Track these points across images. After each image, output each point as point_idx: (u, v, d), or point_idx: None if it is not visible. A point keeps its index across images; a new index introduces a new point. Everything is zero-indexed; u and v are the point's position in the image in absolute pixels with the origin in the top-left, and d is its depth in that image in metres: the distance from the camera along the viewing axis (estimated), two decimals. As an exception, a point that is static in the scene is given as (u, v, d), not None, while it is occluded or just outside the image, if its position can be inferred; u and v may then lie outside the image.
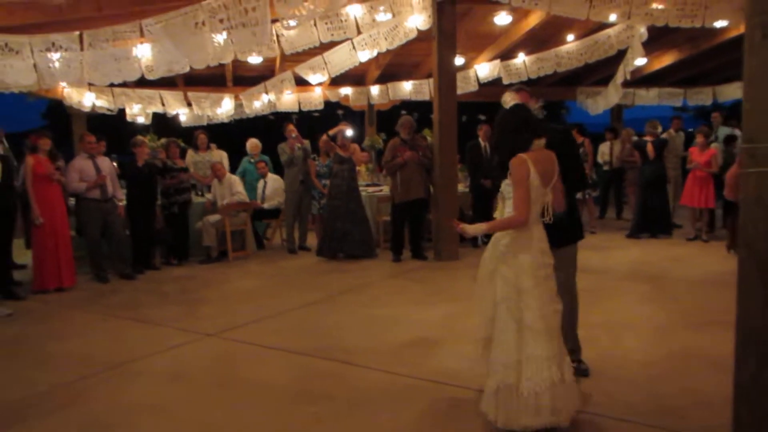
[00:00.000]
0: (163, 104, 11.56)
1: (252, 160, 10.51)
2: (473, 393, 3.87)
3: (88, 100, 11.11)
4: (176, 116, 12.41)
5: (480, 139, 9.59)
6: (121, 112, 11.78)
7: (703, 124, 11.00)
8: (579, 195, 4.71)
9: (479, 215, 9.61)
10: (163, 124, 12.89)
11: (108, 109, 11.37)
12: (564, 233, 3.93)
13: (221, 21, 5.35)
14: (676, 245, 9.42)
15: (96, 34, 5.76)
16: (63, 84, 10.00)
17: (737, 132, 11.12)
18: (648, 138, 10.04)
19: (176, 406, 3.92)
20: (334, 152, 8.89)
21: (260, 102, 12.06)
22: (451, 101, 8.65)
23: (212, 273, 8.27)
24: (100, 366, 4.66)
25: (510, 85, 11.22)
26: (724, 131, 11.16)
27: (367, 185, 10.62)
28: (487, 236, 3.77)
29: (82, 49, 5.77)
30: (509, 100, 3.89)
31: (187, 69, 6.08)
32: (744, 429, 3.17)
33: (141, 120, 12.09)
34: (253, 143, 10.81)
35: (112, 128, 8.35)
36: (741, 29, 10.12)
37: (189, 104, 11.73)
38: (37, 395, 4.14)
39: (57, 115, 26.02)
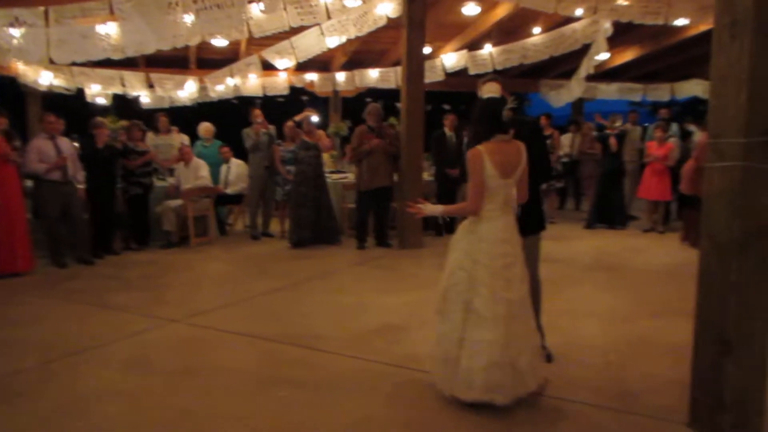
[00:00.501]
0: (123, 85, 11.31)
1: (206, 144, 10.34)
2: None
3: (44, 78, 10.81)
4: (137, 98, 12.17)
5: (445, 129, 9.66)
6: (80, 92, 11.50)
7: (660, 120, 11.25)
8: (543, 186, 4.80)
9: (443, 204, 9.71)
10: (123, 105, 12.61)
11: (66, 89, 11.08)
12: (527, 223, 4.03)
13: (195, 1, 5.27)
14: (633, 236, 9.67)
15: (62, 10, 5.60)
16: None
17: (692, 128, 11.45)
18: (610, 131, 10.25)
19: (144, 392, 3.88)
20: (300, 138, 8.85)
21: (223, 86, 11.90)
22: (419, 90, 8.68)
23: (174, 258, 8.17)
24: (62, 352, 4.57)
25: (479, 76, 11.36)
26: (673, 128, 11.48)
27: (332, 172, 10.60)
28: (450, 227, 3.91)
29: (47, 25, 5.59)
30: (486, 91, 3.93)
31: (156, 49, 5.97)
32: (700, 414, 3.31)
33: (101, 101, 11.82)
34: (206, 127, 10.62)
35: (69, 108, 8.11)
36: (701, 27, 10.51)
37: (151, 86, 11.50)
38: (1, 381, 4.05)
39: (6, 94, 25.19)
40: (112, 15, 5.52)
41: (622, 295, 6.15)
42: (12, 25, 5.61)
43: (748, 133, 3.00)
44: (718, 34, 3.15)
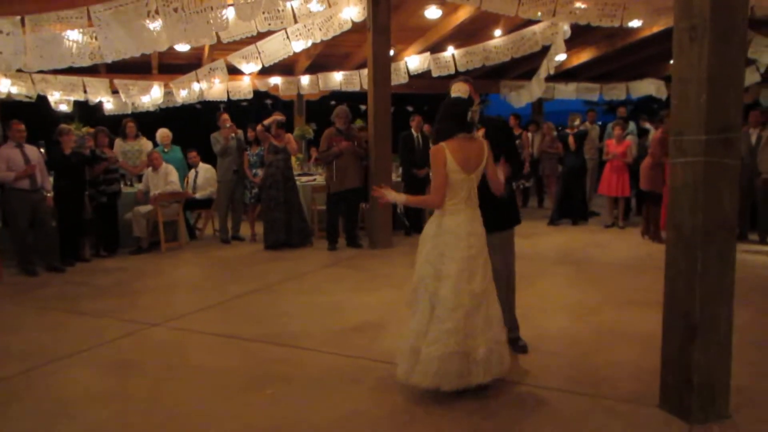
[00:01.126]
0: (85, 92, 11.18)
1: (165, 150, 10.26)
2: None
3: (3, 86, 10.63)
4: (99, 104, 12.04)
5: (412, 130, 9.82)
6: (40, 99, 11.32)
7: (618, 118, 11.62)
8: (514, 184, 4.96)
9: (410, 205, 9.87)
10: (86, 112, 12.47)
11: (26, 96, 10.91)
12: (502, 218, 4.21)
13: (176, 10, 5.31)
14: (595, 232, 9.97)
15: (39, 18, 5.57)
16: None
17: (648, 125, 11.86)
18: (569, 130, 10.55)
19: (131, 396, 3.93)
20: (268, 142, 8.90)
21: (187, 91, 11.86)
22: (386, 93, 8.83)
23: (146, 264, 8.15)
24: (44, 359, 4.58)
25: (442, 78, 11.59)
26: (631, 126, 11.88)
27: (299, 175, 10.67)
28: (417, 226, 4.08)
29: (24, 33, 5.57)
30: (455, 90, 4.09)
31: (135, 55, 5.96)
32: (670, 396, 3.51)
33: (63, 108, 11.66)
34: (163, 133, 10.51)
35: (29, 116, 8.01)
36: (654, 29, 10.86)
37: (114, 91, 11.39)
38: (-19, 389, 4.06)
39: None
40: (89, 22, 5.51)
41: (588, 288, 6.39)
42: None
43: (708, 131, 3.21)
44: (678, 37, 3.34)
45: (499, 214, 4.09)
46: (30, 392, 4.01)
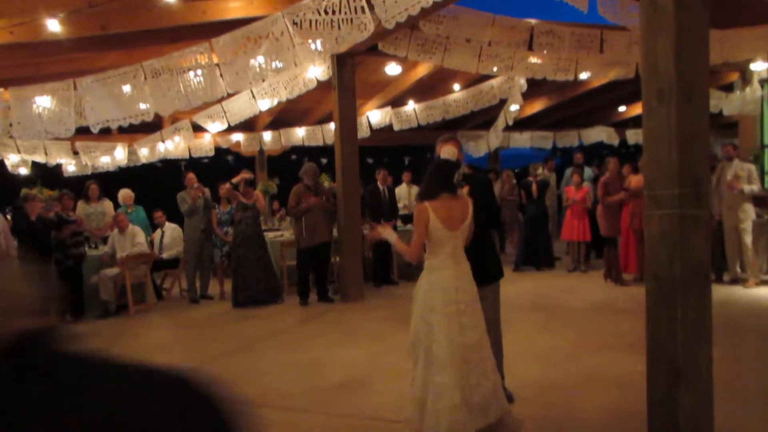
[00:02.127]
0: (45, 154, 11.07)
1: (129, 211, 10.18)
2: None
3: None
4: (59, 166, 11.91)
5: (378, 183, 10.00)
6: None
7: (575, 166, 12.04)
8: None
9: (379, 256, 9.99)
10: (45, 174, 12.29)
11: (-18, 161, 10.76)
12: (486, 272, 4.35)
13: (165, 80, 5.41)
14: (560, 277, 10.22)
15: (23, 90, 5.59)
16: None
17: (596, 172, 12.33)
18: (532, 179, 10.90)
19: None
20: (237, 200, 8.95)
21: (148, 150, 11.83)
22: (353, 148, 9.02)
23: (116, 328, 8.01)
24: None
25: (413, 130, 11.84)
26: (587, 172, 12.34)
27: (265, 230, 10.68)
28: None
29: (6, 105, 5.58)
30: (444, 152, 4.26)
31: (125, 123, 6.00)
32: (658, 437, 3.64)
33: (23, 171, 11.49)
34: (125, 194, 10.44)
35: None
36: (602, 80, 11.39)
37: (75, 153, 11.31)
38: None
39: None
40: (75, 91, 5.54)
41: (561, 334, 6.54)
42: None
43: (681, 185, 3.43)
44: (647, 99, 3.58)
45: (489, 267, 4.27)
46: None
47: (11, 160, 11.15)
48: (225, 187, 9.16)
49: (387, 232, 4.19)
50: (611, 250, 9.35)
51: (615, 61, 9.36)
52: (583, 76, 9.93)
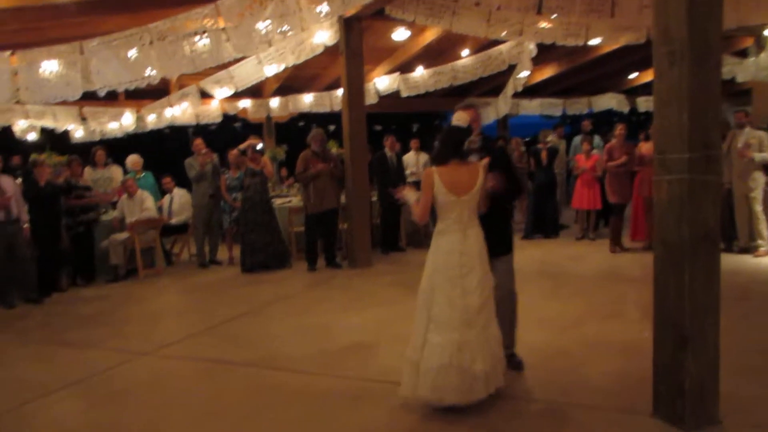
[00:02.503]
0: (54, 119, 11.05)
1: (138, 177, 10.21)
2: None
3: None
4: (66, 132, 11.90)
5: (386, 150, 9.95)
6: (5, 129, 11.15)
7: (584, 133, 11.93)
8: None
9: (388, 223, 9.99)
10: (54, 140, 12.32)
11: (-8, 126, 10.76)
12: (498, 243, 4.33)
13: (170, 43, 5.36)
14: (568, 245, 10.19)
15: (31, 53, 5.55)
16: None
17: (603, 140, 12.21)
18: (541, 146, 10.82)
19: (125, 427, 3.92)
20: (245, 166, 8.94)
21: (155, 116, 11.81)
22: (360, 114, 8.95)
23: (126, 292, 8.08)
24: (35, 393, 4.54)
25: (421, 96, 11.71)
26: (597, 140, 12.22)
27: (274, 197, 10.69)
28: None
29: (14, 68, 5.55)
30: (456, 119, 4.23)
31: (132, 86, 5.99)
32: (663, 403, 3.65)
33: (32, 136, 11.50)
34: (134, 159, 10.53)
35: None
36: (613, 46, 11.21)
37: (83, 119, 11.29)
38: (-22, 426, 4.01)
39: None
40: (82, 55, 5.51)
41: (569, 301, 6.55)
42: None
43: (691, 149, 3.39)
44: (658, 61, 3.53)
45: (501, 239, 4.32)
46: (24, 428, 3.98)
47: (20, 125, 11.14)
48: (233, 153, 9.14)
49: (409, 194, 4.18)
50: (616, 219, 9.33)
51: (626, 26, 9.19)
52: (594, 41, 9.78)
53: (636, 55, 12.68)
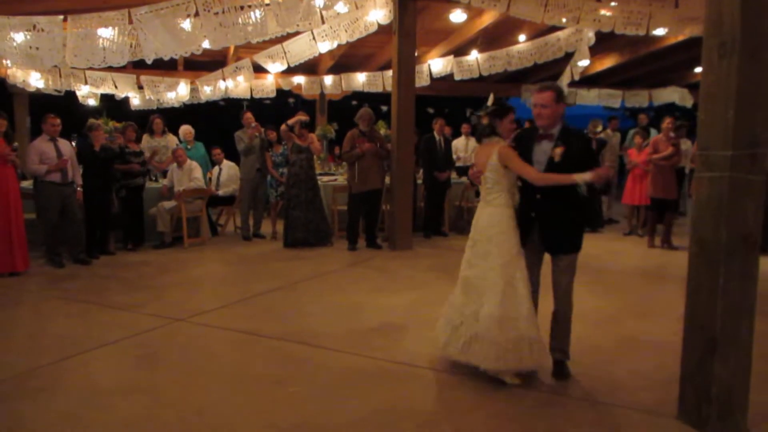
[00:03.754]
0: (115, 86, 11.35)
1: (188, 147, 10.42)
2: (445, 375, 4.18)
3: (33, 79, 10.85)
4: (126, 99, 12.23)
5: (435, 133, 9.89)
6: (68, 93, 11.52)
7: (639, 127, 11.60)
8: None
9: (432, 207, 9.95)
10: (112, 106, 12.66)
11: (55, 90, 11.12)
12: (560, 240, 4.22)
13: (216, 14, 5.45)
14: (613, 240, 9.97)
15: (80, 18, 5.72)
16: (7, 62, 9.74)
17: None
18: (591, 136, 10.56)
19: (160, 389, 4.04)
20: (292, 142, 9.01)
21: (211, 88, 12.00)
22: (410, 95, 8.90)
23: (169, 259, 8.29)
24: (74, 350, 4.70)
25: (474, 81, 11.57)
26: (652, 134, 11.86)
27: (320, 174, 10.78)
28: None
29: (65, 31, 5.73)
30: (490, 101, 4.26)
31: (175, 55, 6.11)
32: (688, 407, 3.55)
33: (92, 102, 11.87)
34: (186, 130, 10.77)
35: (57, 109, 8.15)
36: (678, 37, 10.82)
37: (140, 87, 11.57)
38: (16, 378, 4.17)
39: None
40: (130, 22, 5.65)
41: (607, 297, 6.41)
42: (29, 31, 5.70)
43: (735, 146, 3.26)
44: (707, 54, 3.38)
45: (563, 237, 4.20)
46: (61, 382, 4.13)
47: (82, 90, 11.49)
48: (281, 129, 9.22)
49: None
50: (655, 215, 9.10)
51: (692, 17, 8.84)
52: (657, 31, 9.44)
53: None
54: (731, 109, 3.25)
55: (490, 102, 4.26)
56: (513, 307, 4.00)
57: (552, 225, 4.16)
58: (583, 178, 3.84)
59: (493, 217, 4.11)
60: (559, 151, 4.00)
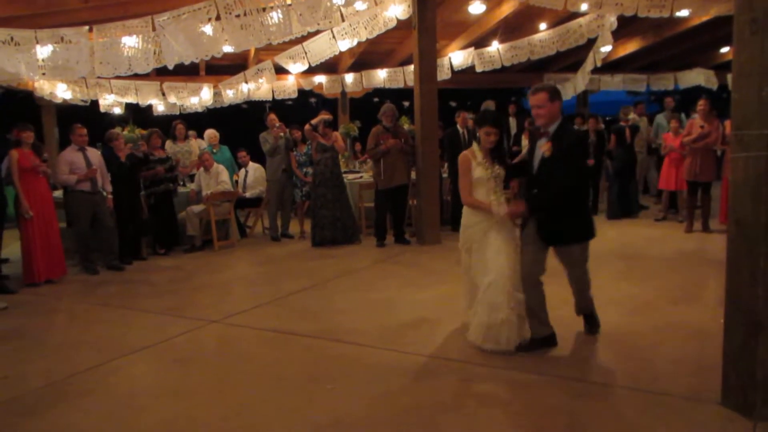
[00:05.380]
0: (136, 94, 11.49)
1: (214, 151, 10.50)
2: (480, 368, 4.16)
3: (60, 91, 11.02)
4: (149, 106, 12.36)
5: (458, 126, 9.83)
6: (93, 103, 11.69)
7: (669, 111, 11.42)
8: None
9: (457, 200, 9.89)
10: (138, 113, 12.84)
11: (81, 100, 11.29)
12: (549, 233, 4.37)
13: (237, 16, 5.49)
14: (647, 225, 9.83)
15: (105, 28, 5.81)
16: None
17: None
18: (624, 123, 10.44)
19: (200, 389, 4.07)
20: (316, 141, 9.03)
21: (234, 91, 12.09)
22: (432, 90, 8.86)
23: (200, 262, 8.36)
24: (114, 354, 4.76)
25: (496, 72, 11.50)
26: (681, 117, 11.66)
27: (345, 173, 10.79)
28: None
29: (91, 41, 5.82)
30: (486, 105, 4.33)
31: (196, 59, 6.20)
32: (732, 392, 3.48)
33: (117, 111, 12.03)
34: (211, 134, 10.86)
35: (83, 119, 8.28)
36: (702, 18, 10.61)
37: (163, 94, 11.68)
38: (57, 384, 4.24)
39: (7, 106, 25.32)
40: (153, 29, 5.71)
41: (643, 283, 6.33)
42: (57, 43, 5.80)
43: (771, 125, 3.18)
44: (739, 30, 3.31)
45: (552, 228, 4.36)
46: (100, 386, 4.19)
47: (107, 100, 11.64)
48: (305, 128, 9.25)
49: None
50: (691, 198, 8.96)
51: (715, -3, 8.70)
52: (681, 13, 9.29)
53: (728, 28, 11.93)
54: (766, 87, 3.18)
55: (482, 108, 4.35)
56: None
57: (546, 218, 4.33)
58: (498, 211, 4.38)
59: (467, 217, 4.60)
60: (546, 146, 4.20)
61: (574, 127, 4.52)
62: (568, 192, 4.23)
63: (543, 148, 4.26)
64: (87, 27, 5.84)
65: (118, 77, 10.48)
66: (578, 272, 4.54)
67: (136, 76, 11.14)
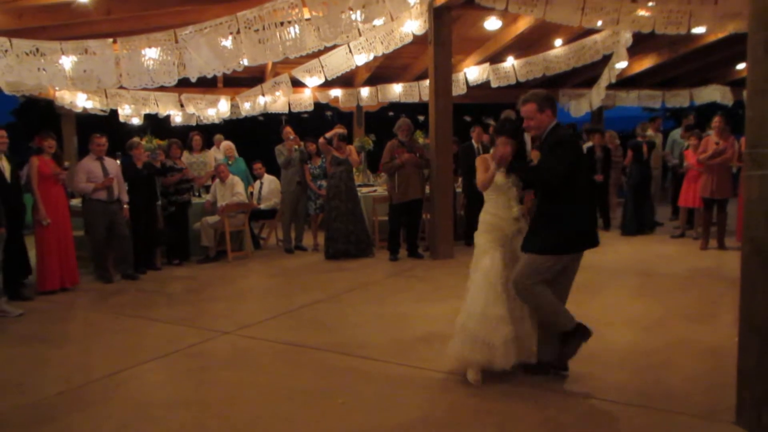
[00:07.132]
0: (156, 105, 11.63)
1: (229, 163, 10.59)
2: (493, 384, 4.15)
3: (81, 100, 11.18)
4: (167, 117, 12.50)
5: (473, 141, 9.85)
6: (112, 112, 11.85)
7: (689, 128, 11.37)
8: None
9: (471, 216, 9.90)
10: (156, 124, 12.98)
11: (101, 110, 11.44)
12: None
13: (257, 31, 5.59)
14: (663, 242, 9.77)
15: (130, 41, 5.92)
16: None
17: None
18: (641, 139, 10.42)
19: (206, 401, 4.10)
20: (330, 154, 9.08)
21: (251, 104, 12.19)
22: (447, 105, 8.90)
23: (214, 273, 8.42)
24: (123, 364, 4.79)
25: (511, 87, 11.59)
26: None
27: (360, 186, 10.84)
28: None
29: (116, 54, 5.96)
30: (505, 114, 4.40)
31: (219, 73, 6.32)
32: (747, 411, 3.45)
33: (136, 121, 12.18)
34: (227, 145, 11.00)
35: (103, 129, 8.40)
36: (718, 35, 10.59)
37: (182, 105, 11.82)
38: (69, 392, 4.27)
39: (29, 114, 25.75)
40: (176, 42, 5.82)
41: (655, 300, 6.30)
42: (82, 54, 5.93)
43: (785, 143, 3.18)
44: (752, 48, 3.32)
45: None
46: (113, 395, 4.22)
47: (126, 110, 11.79)
48: (319, 142, 9.32)
49: None
50: (706, 215, 8.91)
51: (733, 12, 8.64)
52: (698, 30, 9.27)
53: (744, 44, 11.87)
54: (780, 105, 3.18)
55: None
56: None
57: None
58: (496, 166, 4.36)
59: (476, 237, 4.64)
60: (534, 155, 4.21)
61: (568, 131, 4.41)
62: (546, 180, 4.10)
63: (532, 155, 4.28)
64: (111, 39, 5.95)
65: (146, 88, 10.84)
66: (520, 292, 4.19)
67: (155, 87, 11.38)
